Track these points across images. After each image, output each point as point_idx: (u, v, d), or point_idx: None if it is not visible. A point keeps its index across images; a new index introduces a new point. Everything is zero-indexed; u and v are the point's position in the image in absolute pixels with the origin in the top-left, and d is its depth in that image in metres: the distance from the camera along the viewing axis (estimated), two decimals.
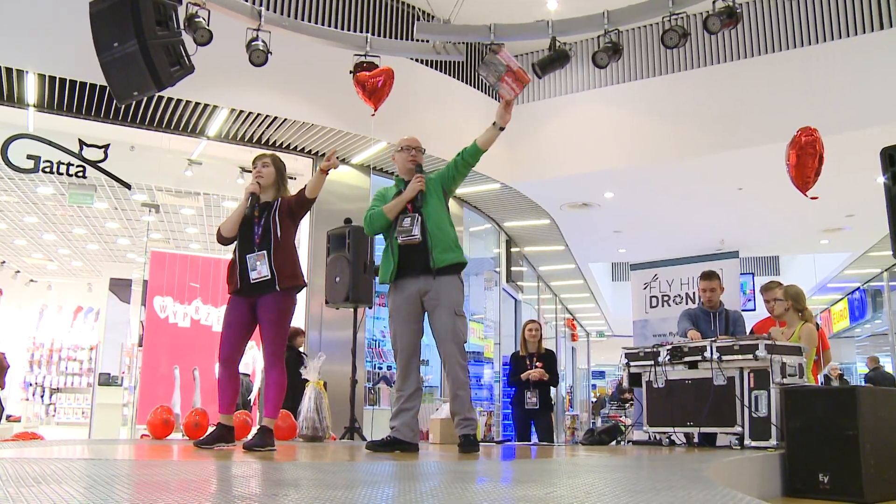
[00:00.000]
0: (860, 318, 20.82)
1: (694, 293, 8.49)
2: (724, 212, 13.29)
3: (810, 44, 9.79)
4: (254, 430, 5.36)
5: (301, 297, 9.82)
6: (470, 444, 4.63)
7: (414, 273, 4.73)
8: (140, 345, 11.01)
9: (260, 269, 4.72)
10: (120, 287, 15.46)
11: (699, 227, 14.25)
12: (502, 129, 4.78)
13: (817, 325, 6.56)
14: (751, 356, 5.10)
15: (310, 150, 9.80)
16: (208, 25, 6.59)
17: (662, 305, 8.81)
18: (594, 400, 23.75)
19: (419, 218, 4.72)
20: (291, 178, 10.09)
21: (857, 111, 9.13)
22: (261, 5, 7.90)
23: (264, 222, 4.86)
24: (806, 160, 6.11)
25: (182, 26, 6.30)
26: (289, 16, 9.06)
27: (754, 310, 15.60)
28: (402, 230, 4.72)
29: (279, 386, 4.76)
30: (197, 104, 8.31)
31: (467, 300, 12.88)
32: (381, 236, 5.10)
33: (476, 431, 4.80)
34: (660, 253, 13.96)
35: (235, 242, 4.92)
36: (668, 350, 5.64)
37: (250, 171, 5.13)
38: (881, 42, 9.20)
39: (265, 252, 4.75)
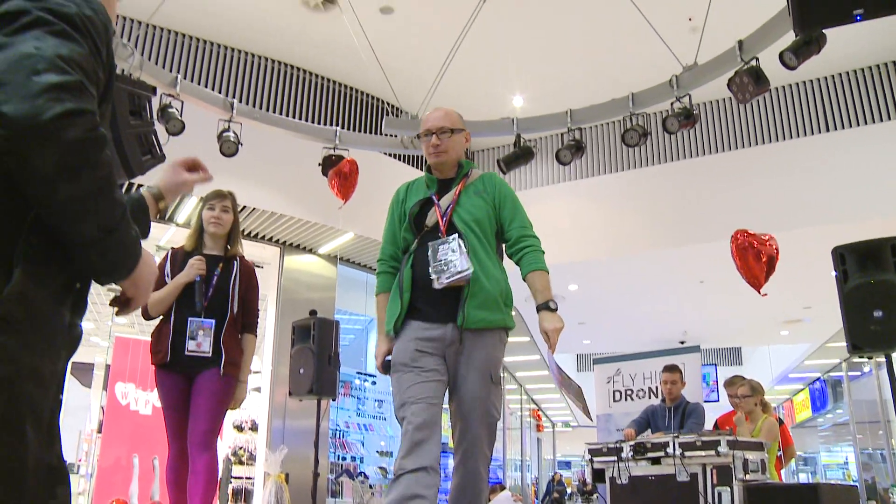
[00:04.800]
0: (822, 408, 20.96)
1: (657, 387, 8.55)
2: (686, 304, 13.49)
3: (766, 143, 10.15)
4: None
5: (265, 386, 9.79)
6: None
7: (438, 318, 3.19)
8: (99, 431, 10.75)
9: (201, 340, 3.94)
10: (82, 371, 15.13)
11: (662, 318, 14.41)
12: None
13: (780, 420, 6.63)
14: (713, 452, 5.13)
15: (278, 240, 9.85)
16: (181, 116, 6.71)
17: (626, 399, 8.85)
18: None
19: (461, 243, 3.19)
20: (258, 266, 10.13)
21: (810, 208, 9.42)
22: (233, 97, 8.06)
23: (218, 283, 4.08)
24: (749, 261, 6.31)
25: (155, 116, 6.40)
26: (260, 108, 9.23)
27: (717, 401, 15.66)
28: (441, 267, 3.17)
29: (210, 475, 3.84)
30: None
31: None
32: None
33: None
34: (624, 344, 14.07)
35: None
36: (630, 446, 5.66)
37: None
38: (832, 143, 9.57)
39: (213, 323, 4.00)
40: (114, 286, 1.53)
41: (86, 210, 1.30)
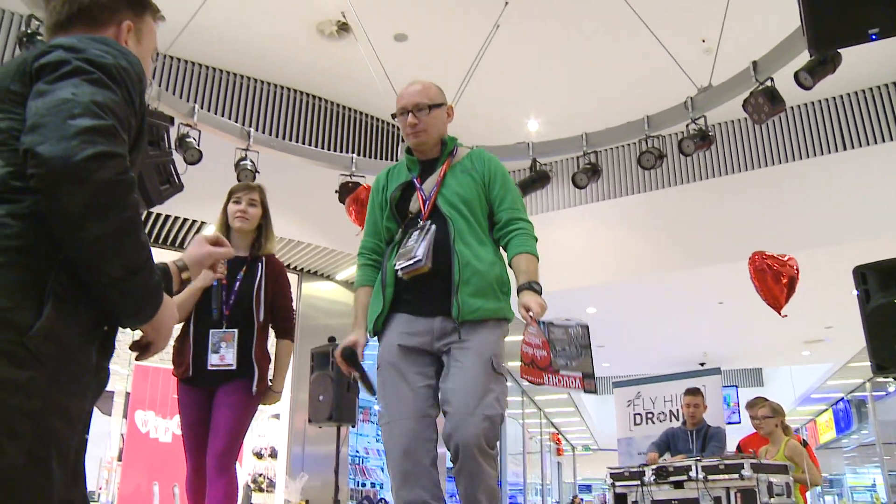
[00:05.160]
0: (846, 429, 20.69)
1: (678, 410, 8.49)
2: (706, 325, 13.39)
3: (782, 162, 10.10)
4: None
5: (284, 413, 9.78)
6: None
7: (426, 311, 2.85)
8: (119, 459, 10.78)
9: (224, 353, 3.58)
10: (102, 399, 15.02)
11: (681, 340, 14.31)
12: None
13: (804, 442, 6.55)
14: (737, 475, 5.08)
15: (296, 267, 9.89)
16: (198, 145, 6.78)
17: (646, 423, 8.78)
18: None
19: (431, 228, 2.86)
20: None
21: (829, 227, 9.35)
22: (249, 126, 8.13)
23: (240, 288, 3.68)
24: (768, 283, 6.27)
25: (173, 146, 6.47)
26: (276, 136, 9.31)
27: (739, 422, 15.53)
28: (403, 252, 2.85)
29: (227, 501, 3.44)
30: (185, 220, 8.43)
31: None
32: None
33: None
34: (643, 367, 13.95)
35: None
36: (653, 470, 5.61)
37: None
38: (850, 161, 9.51)
39: (236, 332, 3.61)
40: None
41: (112, 249, 1.34)
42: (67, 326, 1.34)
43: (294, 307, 3.94)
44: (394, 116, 3.10)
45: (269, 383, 3.76)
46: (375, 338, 2.97)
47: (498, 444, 2.74)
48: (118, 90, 1.42)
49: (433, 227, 2.83)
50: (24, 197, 1.33)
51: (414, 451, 2.66)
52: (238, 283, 3.66)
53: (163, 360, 14.56)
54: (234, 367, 3.56)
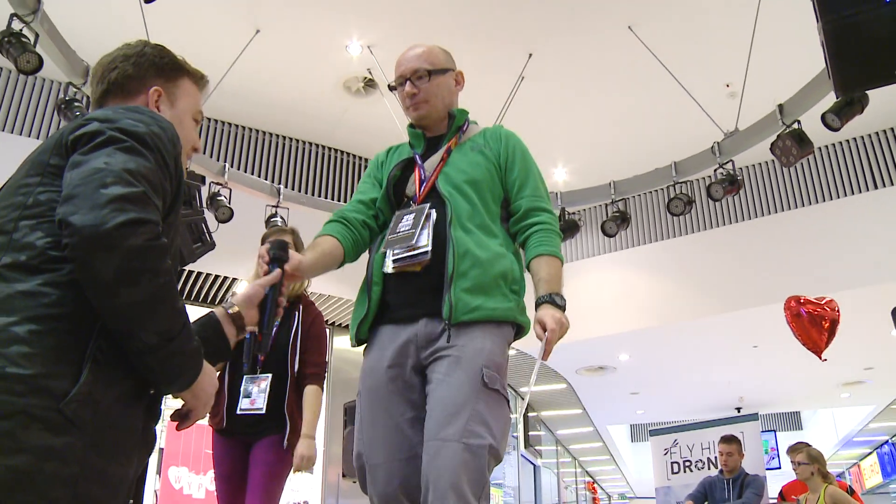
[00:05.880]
0: (893, 474, 20.09)
1: (716, 458, 8.34)
2: (741, 369, 13.18)
3: (813, 203, 10.00)
4: None
5: (317, 467, 9.72)
6: None
7: (408, 316, 2.26)
8: None
9: (256, 398, 3.39)
10: None
11: (716, 385, 14.09)
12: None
13: (850, 489, 6.39)
14: None
15: (327, 321, 9.90)
16: (229, 203, 6.88)
17: (684, 471, 8.60)
18: None
19: (430, 214, 2.32)
20: None
21: (863, 268, 9.20)
22: (279, 183, 8.24)
23: (276, 339, 3.55)
24: (805, 327, 6.19)
25: (205, 204, 6.57)
26: (306, 191, 9.41)
27: (779, 468, 15.20)
28: (397, 238, 2.31)
29: None
30: (217, 276, 8.51)
31: None
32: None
33: None
34: (679, 413, 13.72)
35: None
36: None
37: None
38: (882, 200, 9.41)
39: (269, 377, 3.47)
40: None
41: (146, 316, 1.35)
42: (107, 391, 1.34)
43: (326, 359, 3.76)
44: (392, 89, 2.59)
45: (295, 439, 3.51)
46: (360, 348, 2.41)
47: (487, 488, 2.04)
48: (151, 156, 1.44)
49: (433, 212, 2.30)
50: (62, 266, 1.35)
51: (399, 502, 2.11)
52: (274, 331, 3.43)
53: None
54: (263, 412, 3.39)
